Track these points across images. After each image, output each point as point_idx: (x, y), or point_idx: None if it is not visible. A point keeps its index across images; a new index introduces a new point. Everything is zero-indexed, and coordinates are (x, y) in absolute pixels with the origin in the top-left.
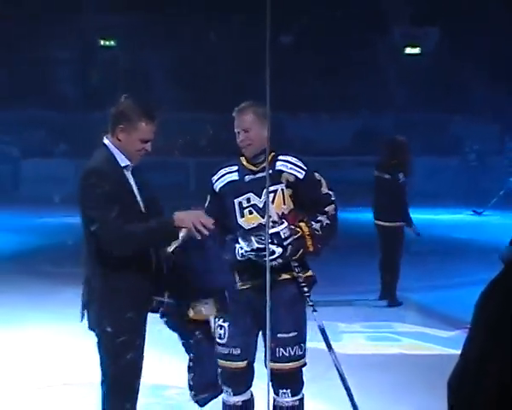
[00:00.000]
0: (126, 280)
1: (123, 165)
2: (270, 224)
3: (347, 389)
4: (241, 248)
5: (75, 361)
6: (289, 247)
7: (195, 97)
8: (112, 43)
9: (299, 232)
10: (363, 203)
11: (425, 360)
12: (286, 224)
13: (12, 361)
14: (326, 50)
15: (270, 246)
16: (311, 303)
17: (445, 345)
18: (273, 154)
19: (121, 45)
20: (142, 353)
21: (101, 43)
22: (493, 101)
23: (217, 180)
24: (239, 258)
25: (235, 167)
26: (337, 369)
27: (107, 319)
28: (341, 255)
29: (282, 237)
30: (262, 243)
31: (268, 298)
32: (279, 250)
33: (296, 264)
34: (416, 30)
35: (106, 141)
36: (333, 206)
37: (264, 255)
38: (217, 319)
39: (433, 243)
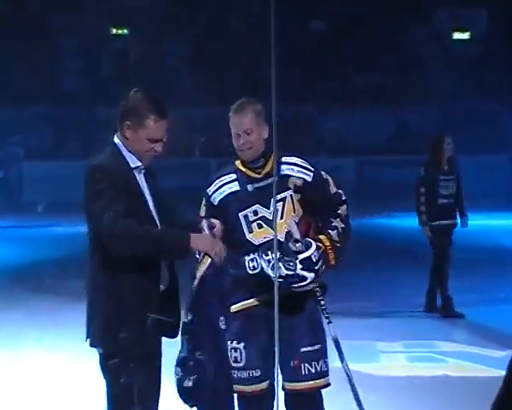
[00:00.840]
0: (123, 298)
1: (133, 166)
2: (294, 244)
3: (357, 399)
4: (252, 260)
5: (79, 385)
6: (320, 270)
7: (216, 90)
8: (124, 31)
9: (321, 247)
10: (402, 207)
11: (474, 384)
12: (315, 246)
13: (12, 384)
14: (362, 37)
15: (302, 272)
16: (326, 315)
17: (496, 366)
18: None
19: (135, 34)
20: (143, 377)
21: (113, 31)
22: None
23: (214, 192)
24: (250, 271)
25: (234, 176)
26: (349, 380)
27: (99, 339)
28: (377, 267)
29: (314, 260)
30: (291, 270)
31: (276, 320)
32: (311, 275)
33: (317, 287)
34: (465, 12)
35: (116, 139)
36: (344, 206)
37: (295, 282)
38: (229, 342)
39: (483, 252)
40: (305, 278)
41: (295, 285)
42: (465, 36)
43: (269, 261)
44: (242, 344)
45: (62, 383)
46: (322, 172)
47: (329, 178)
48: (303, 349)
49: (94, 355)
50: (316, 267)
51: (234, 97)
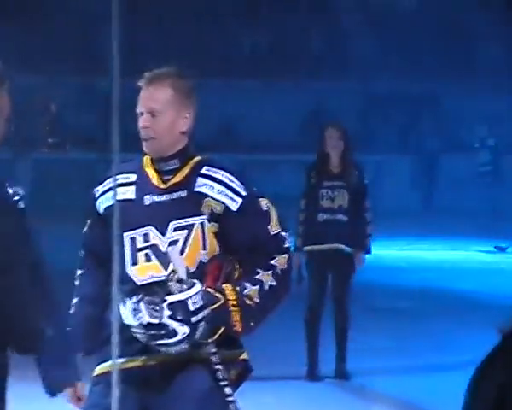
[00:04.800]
0: None
1: None
2: (176, 285)
3: None
4: (133, 304)
5: None
6: (200, 324)
7: (39, 54)
8: None
9: (219, 301)
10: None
11: None
12: (199, 287)
13: None
14: None
15: (171, 323)
16: None
17: None
18: (197, 160)
19: None
20: None
21: None
22: None
23: (102, 194)
24: (125, 321)
25: (133, 177)
26: None
27: None
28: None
29: (191, 308)
30: (156, 317)
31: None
32: (184, 330)
33: (213, 349)
34: None
35: None
36: (285, 256)
37: (161, 337)
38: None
39: (419, 297)
40: (175, 333)
41: (160, 341)
42: None
43: (133, 308)
44: None
45: None
46: (262, 201)
47: (272, 212)
48: None
49: None
50: (193, 319)
51: (64, 63)
